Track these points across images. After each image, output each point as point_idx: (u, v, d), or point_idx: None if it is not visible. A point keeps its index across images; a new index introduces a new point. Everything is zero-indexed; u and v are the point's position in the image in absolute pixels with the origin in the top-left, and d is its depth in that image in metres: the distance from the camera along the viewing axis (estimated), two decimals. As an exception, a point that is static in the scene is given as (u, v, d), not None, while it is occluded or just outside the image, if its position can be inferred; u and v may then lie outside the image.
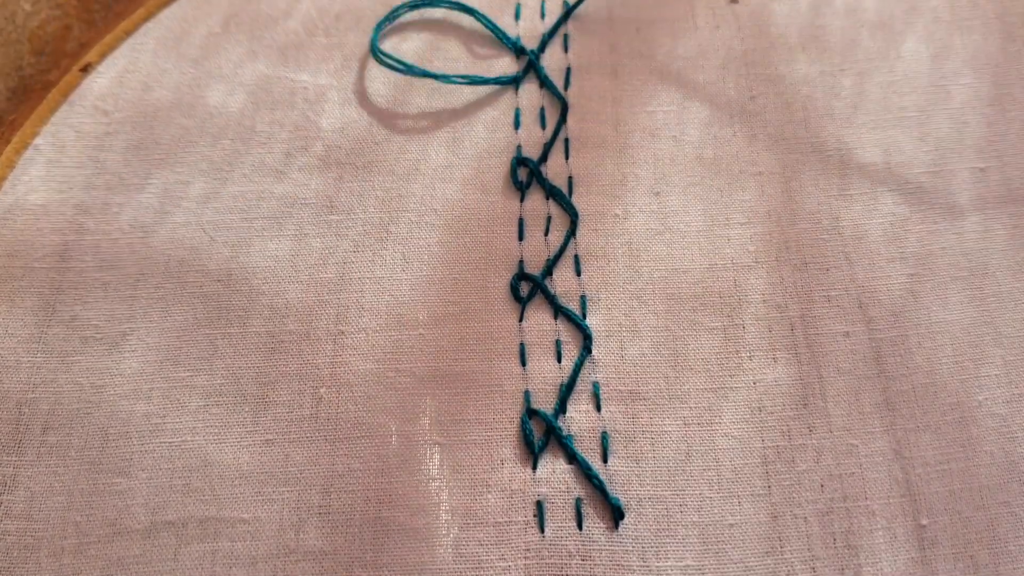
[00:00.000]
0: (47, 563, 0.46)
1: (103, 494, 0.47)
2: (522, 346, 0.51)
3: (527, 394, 0.50)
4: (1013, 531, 0.47)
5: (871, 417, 0.49)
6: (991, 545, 0.46)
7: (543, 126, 0.58)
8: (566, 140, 0.58)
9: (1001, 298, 0.52)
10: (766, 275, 0.53)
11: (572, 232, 0.54)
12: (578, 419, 0.49)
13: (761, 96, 0.59)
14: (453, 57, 0.61)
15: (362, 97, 0.59)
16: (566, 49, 0.61)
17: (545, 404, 0.50)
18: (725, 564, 0.46)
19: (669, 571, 0.46)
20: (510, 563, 0.46)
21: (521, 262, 0.53)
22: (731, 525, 0.47)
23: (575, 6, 0.62)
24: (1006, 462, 0.48)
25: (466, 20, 0.62)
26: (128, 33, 0.61)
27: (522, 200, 0.56)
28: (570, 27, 0.62)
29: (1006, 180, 0.55)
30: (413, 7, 0.62)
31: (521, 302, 0.52)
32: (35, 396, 0.50)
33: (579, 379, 0.50)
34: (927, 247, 0.53)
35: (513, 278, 0.53)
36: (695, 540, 0.46)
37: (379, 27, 0.61)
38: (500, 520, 0.47)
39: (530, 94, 0.59)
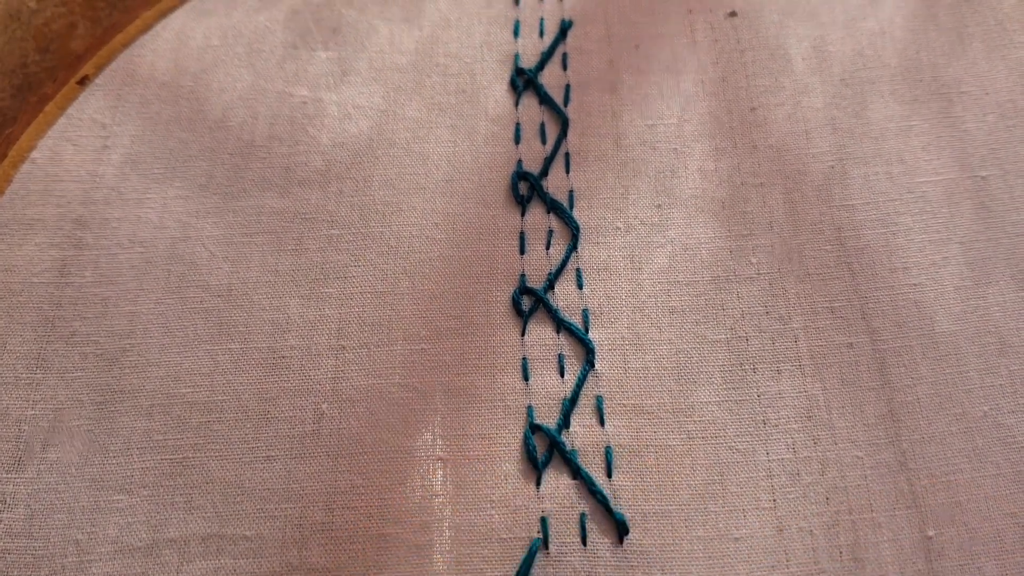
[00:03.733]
0: (48, 581, 0.46)
1: (104, 511, 0.47)
2: (524, 360, 0.51)
3: (530, 409, 0.50)
4: (1020, 542, 0.47)
5: (876, 428, 0.49)
6: (998, 556, 0.46)
7: (543, 141, 0.58)
8: (567, 155, 0.57)
9: (1005, 308, 0.52)
10: (769, 287, 0.53)
11: (573, 246, 0.54)
12: (582, 434, 0.49)
13: (762, 108, 0.59)
14: (452, 73, 0.61)
15: (362, 112, 0.59)
16: (565, 67, 0.61)
17: (548, 419, 0.49)
18: (731, 579, 0.46)
19: (675, 586, 0.46)
20: (514, 580, 0.46)
21: (523, 276, 0.53)
22: (736, 539, 0.47)
23: (570, 26, 0.62)
24: (1012, 473, 0.48)
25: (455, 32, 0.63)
26: (125, 46, 0.61)
27: (523, 214, 0.55)
28: (568, 45, 0.62)
29: (1009, 188, 0.55)
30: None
31: (523, 316, 0.52)
32: (35, 413, 0.49)
33: (582, 393, 0.50)
34: (930, 257, 0.53)
35: (515, 292, 0.53)
36: (700, 554, 0.46)
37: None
38: (504, 536, 0.47)
39: (530, 110, 0.59)
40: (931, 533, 0.47)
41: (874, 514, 0.47)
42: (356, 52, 0.61)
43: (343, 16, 0.63)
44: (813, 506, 0.47)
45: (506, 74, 0.61)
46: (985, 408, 0.50)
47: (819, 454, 0.48)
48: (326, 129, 0.58)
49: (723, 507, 0.47)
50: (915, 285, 0.53)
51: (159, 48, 0.61)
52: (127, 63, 0.60)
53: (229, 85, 0.60)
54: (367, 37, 0.62)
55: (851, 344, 0.51)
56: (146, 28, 0.61)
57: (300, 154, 0.57)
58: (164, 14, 0.62)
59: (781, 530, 0.47)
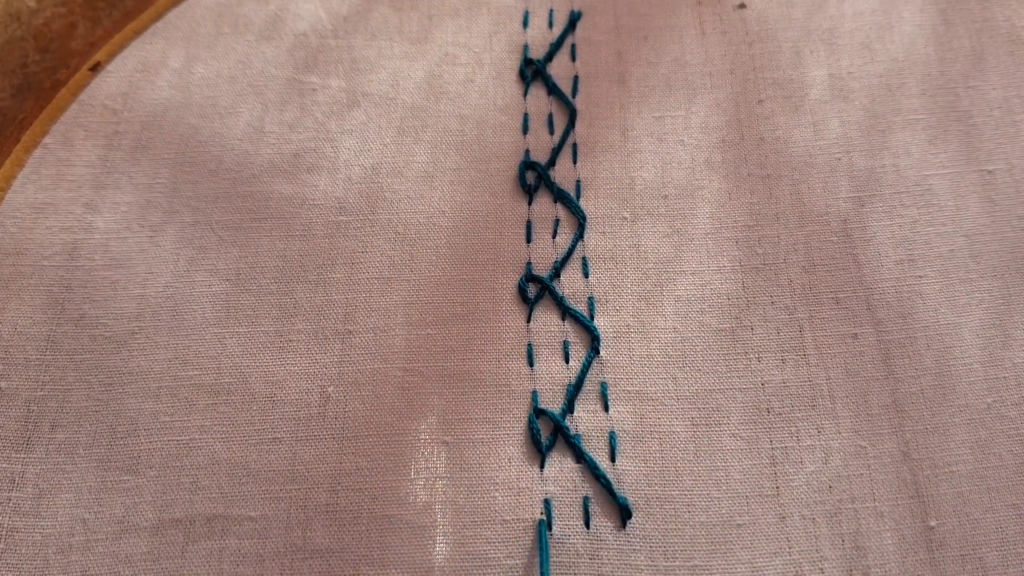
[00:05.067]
0: (55, 560, 0.46)
1: (111, 491, 0.47)
2: (530, 347, 0.51)
3: (534, 394, 0.50)
4: (1022, 533, 0.47)
5: (879, 419, 0.49)
6: (1000, 547, 0.46)
7: (551, 131, 0.58)
8: (574, 145, 0.58)
9: (1010, 300, 0.52)
10: (774, 277, 0.53)
11: (580, 235, 0.54)
12: (586, 419, 0.49)
13: (769, 100, 0.59)
14: (461, 62, 0.61)
15: (371, 99, 0.59)
16: (573, 58, 0.61)
17: (553, 404, 0.50)
18: (733, 564, 0.46)
19: (677, 571, 0.46)
20: (517, 561, 0.46)
21: (529, 264, 0.54)
22: (739, 525, 0.47)
23: (579, 17, 0.62)
24: (1015, 464, 0.48)
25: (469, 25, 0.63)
26: (137, 33, 0.61)
27: (530, 203, 0.56)
28: (577, 36, 0.62)
29: (1015, 183, 0.55)
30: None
31: (529, 303, 0.52)
32: (43, 394, 0.50)
33: (587, 379, 0.50)
34: (936, 249, 0.53)
35: (521, 279, 0.53)
36: (703, 540, 0.46)
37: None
38: (508, 518, 0.47)
39: (538, 101, 0.60)
40: (933, 523, 0.47)
41: (876, 503, 0.47)
42: (365, 39, 0.61)
43: (352, 3, 0.63)
44: (816, 494, 0.48)
45: (515, 64, 0.61)
46: (989, 400, 0.50)
47: (822, 443, 0.49)
48: (334, 116, 0.58)
49: (726, 493, 0.47)
50: (920, 277, 0.53)
51: (171, 35, 0.61)
52: (139, 50, 0.61)
53: (240, 71, 0.60)
54: (376, 24, 0.62)
55: (856, 335, 0.51)
56: (158, 16, 0.62)
57: (309, 141, 0.57)
58: (177, 2, 0.62)
59: (783, 517, 0.47)
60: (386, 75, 0.60)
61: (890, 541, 0.47)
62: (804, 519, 0.47)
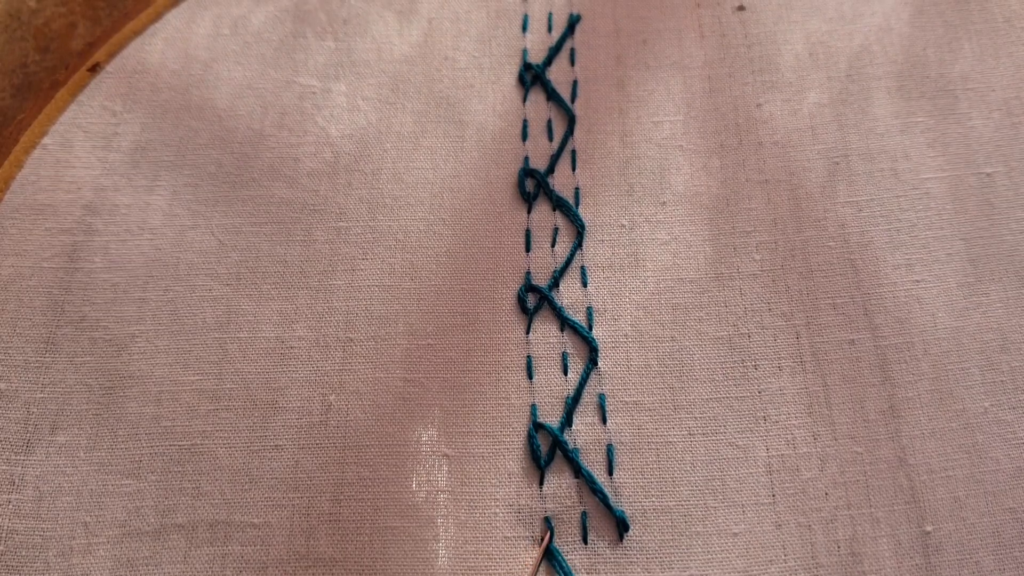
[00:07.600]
0: (56, 563, 0.46)
1: (112, 495, 0.48)
2: (529, 359, 0.51)
3: (534, 408, 0.50)
4: (1018, 537, 0.47)
5: (876, 424, 0.49)
6: (996, 551, 0.47)
7: (550, 138, 0.58)
8: (573, 152, 0.58)
9: (1008, 304, 0.52)
10: (772, 283, 0.53)
11: (579, 243, 0.54)
12: (584, 432, 0.50)
13: (768, 103, 0.59)
14: (461, 67, 0.61)
15: (371, 104, 0.59)
16: (572, 62, 0.61)
17: (552, 417, 0.50)
18: (729, 573, 0.46)
19: (673, 581, 0.46)
20: (518, 577, 0.46)
21: (528, 273, 0.54)
22: (735, 534, 0.47)
23: (578, 20, 0.62)
24: (1012, 468, 0.48)
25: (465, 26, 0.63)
26: (136, 33, 0.61)
27: (529, 211, 0.56)
28: (576, 40, 0.62)
29: (1014, 185, 0.55)
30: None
31: (528, 314, 0.53)
32: (43, 396, 0.50)
33: (585, 391, 0.51)
34: (933, 253, 0.54)
35: (520, 289, 0.53)
36: (699, 550, 0.47)
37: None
38: (508, 535, 0.47)
39: (537, 106, 0.59)
40: (929, 528, 0.47)
41: (872, 509, 0.48)
42: (365, 43, 0.61)
43: (352, 6, 0.63)
44: (812, 501, 0.48)
45: (514, 69, 0.60)
46: (986, 404, 0.50)
47: (819, 450, 0.49)
48: (335, 120, 0.58)
49: (722, 503, 0.48)
50: (918, 281, 0.53)
51: (170, 36, 0.61)
52: (138, 51, 0.60)
53: (239, 74, 0.60)
54: (376, 28, 0.62)
55: (853, 340, 0.52)
56: (157, 16, 0.61)
57: (309, 145, 0.57)
58: (176, 3, 0.62)
59: (779, 525, 0.47)
60: (386, 79, 0.60)
61: (886, 547, 0.47)
62: (800, 526, 0.47)
